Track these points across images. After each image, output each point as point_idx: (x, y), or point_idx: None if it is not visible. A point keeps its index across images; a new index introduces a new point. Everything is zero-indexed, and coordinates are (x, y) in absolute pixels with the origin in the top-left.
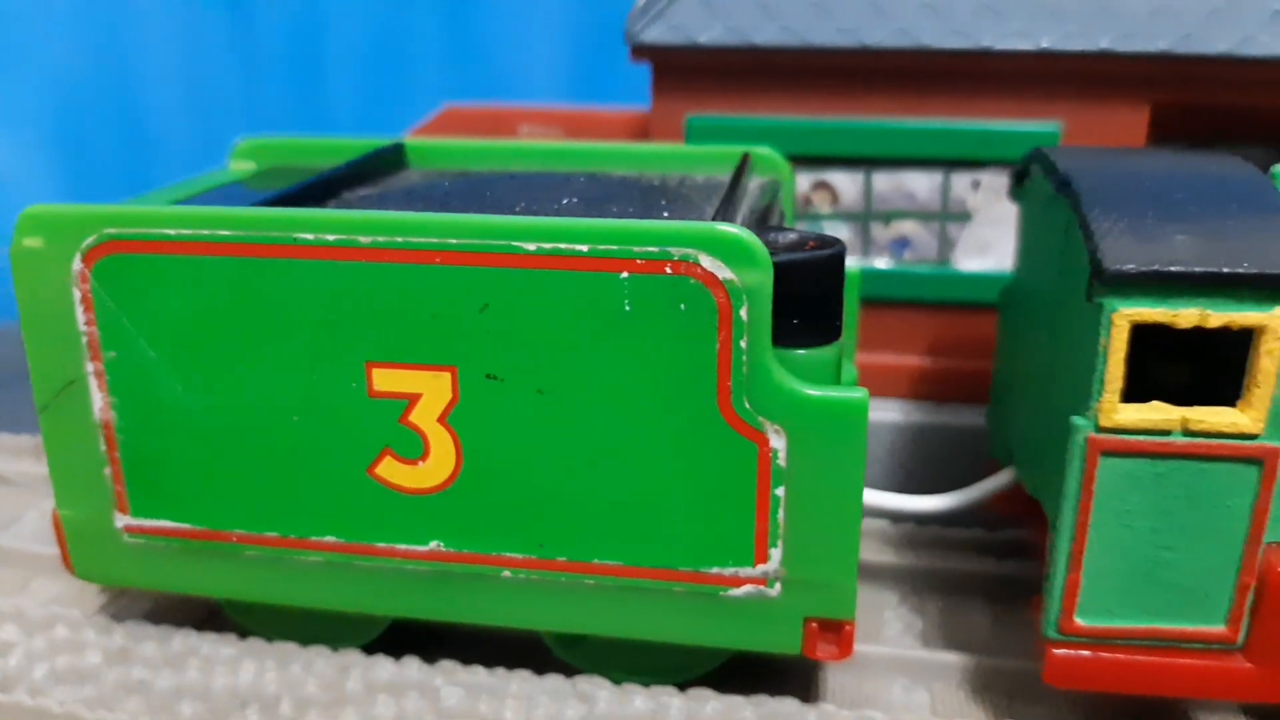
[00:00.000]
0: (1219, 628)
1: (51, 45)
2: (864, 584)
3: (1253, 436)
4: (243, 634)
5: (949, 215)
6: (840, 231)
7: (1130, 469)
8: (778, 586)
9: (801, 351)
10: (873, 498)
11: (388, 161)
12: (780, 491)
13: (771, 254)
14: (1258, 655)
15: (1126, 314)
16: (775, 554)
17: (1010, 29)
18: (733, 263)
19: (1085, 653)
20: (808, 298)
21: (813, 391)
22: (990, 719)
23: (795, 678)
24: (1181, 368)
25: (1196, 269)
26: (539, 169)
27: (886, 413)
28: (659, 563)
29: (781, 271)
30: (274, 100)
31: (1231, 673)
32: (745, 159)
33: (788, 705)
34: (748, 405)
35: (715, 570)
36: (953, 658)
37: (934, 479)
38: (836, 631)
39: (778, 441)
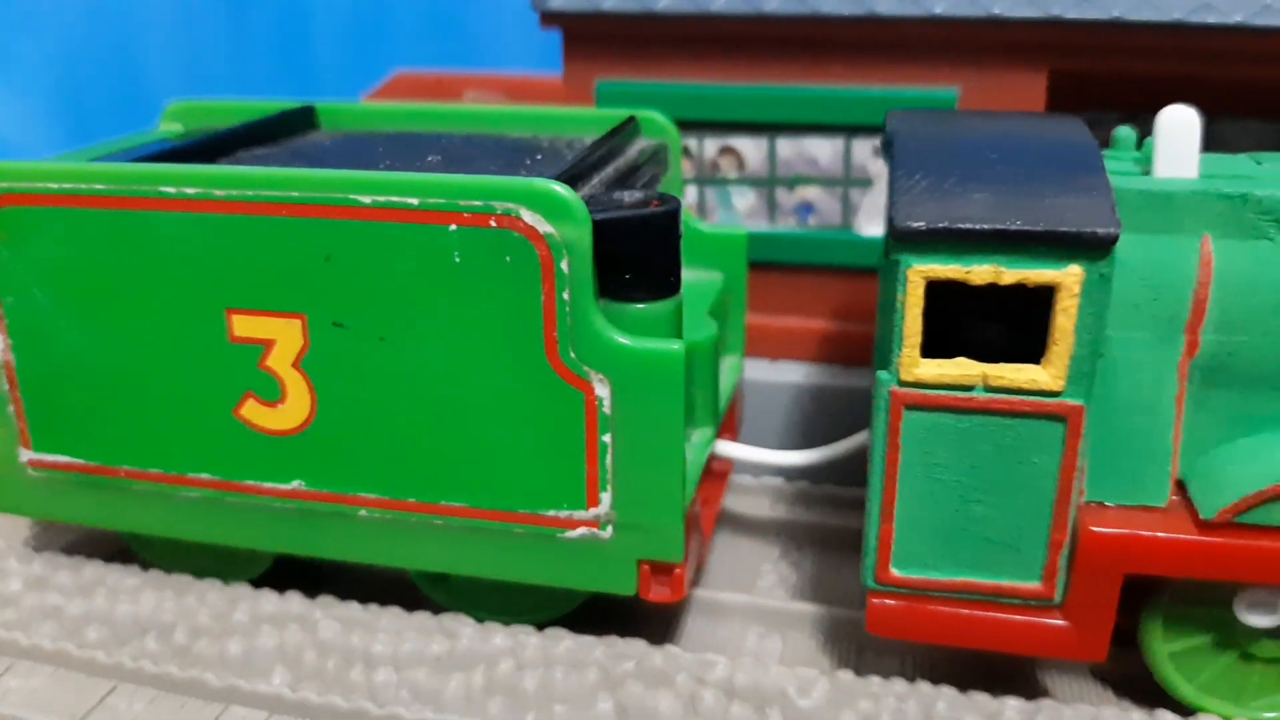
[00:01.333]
0: (1034, 584)
1: (56, 17)
2: (749, 537)
3: (1055, 394)
4: (145, 566)
5: (851, 181)
6: (747, 196)
7: (934, 423)
8: (610, 529)
9: (640, 306)
10: (740, 451)
11: (295, 123)
12: (607, 438)
13: (601, 210)
14: (1074, 614)
15: (920, 270)
16: (606, 498)
17: None
18: (551, 217)
19: (903, 603)
20: (636, 254)
21: (631, 342)
22: (835, 666)
23: (656, 622)
24: (1007, 329)
25: (985, 226)
26: (437, 131)
27: (789, 374)
28: (500, 505)
29: (602, 228)
30: (263, 67)
31: (1050, 630)
32: (627, 122)
33: (635, 646)
34: (573, 355)
35: (551, 513)
36: (813, 609)
37: (834, 440)
38: (668, 574)
39: (602, 390)
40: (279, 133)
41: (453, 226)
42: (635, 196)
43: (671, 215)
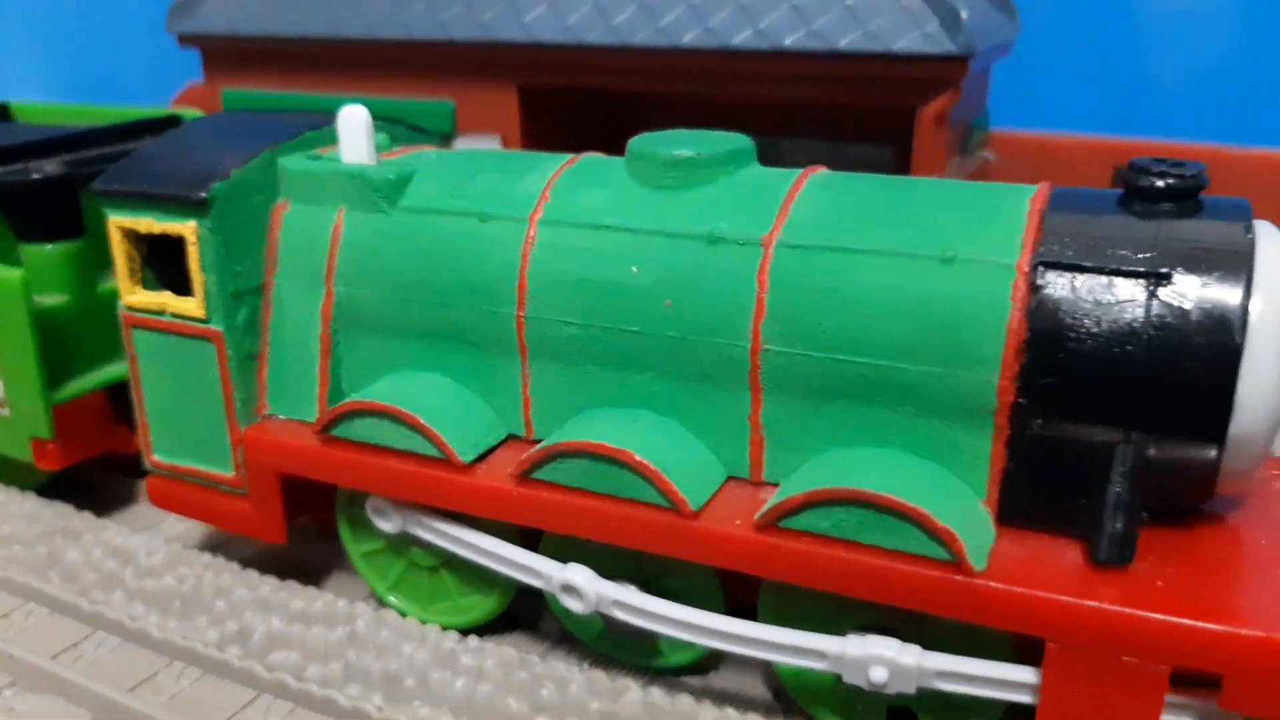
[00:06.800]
0: (230, 474)
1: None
2: None
3: (203, 321)
4: None
5: None
6: None
7: (150, 340)
8: (8, 410)
9: (47, 246)
10: None
11: None
12: None
13: None
14: (255, 502)
15: (115, 221)
16: (2, 386)
17: (409, 19)
18: None
19: (167, 483)
20: (16, 208)
21: None
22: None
23: (106, 491)
24: None
25: (132, 188)
26: (69, 126)
27: None
28: None
29: None
30: None
31: (244, 514)
32: (167, 119)
33: (66, 510)
34: None
35: None
36: None
37: None
38: (45, 448)
39: None
40: None
41: None
42: (56, 168)
43: (35, 184)
